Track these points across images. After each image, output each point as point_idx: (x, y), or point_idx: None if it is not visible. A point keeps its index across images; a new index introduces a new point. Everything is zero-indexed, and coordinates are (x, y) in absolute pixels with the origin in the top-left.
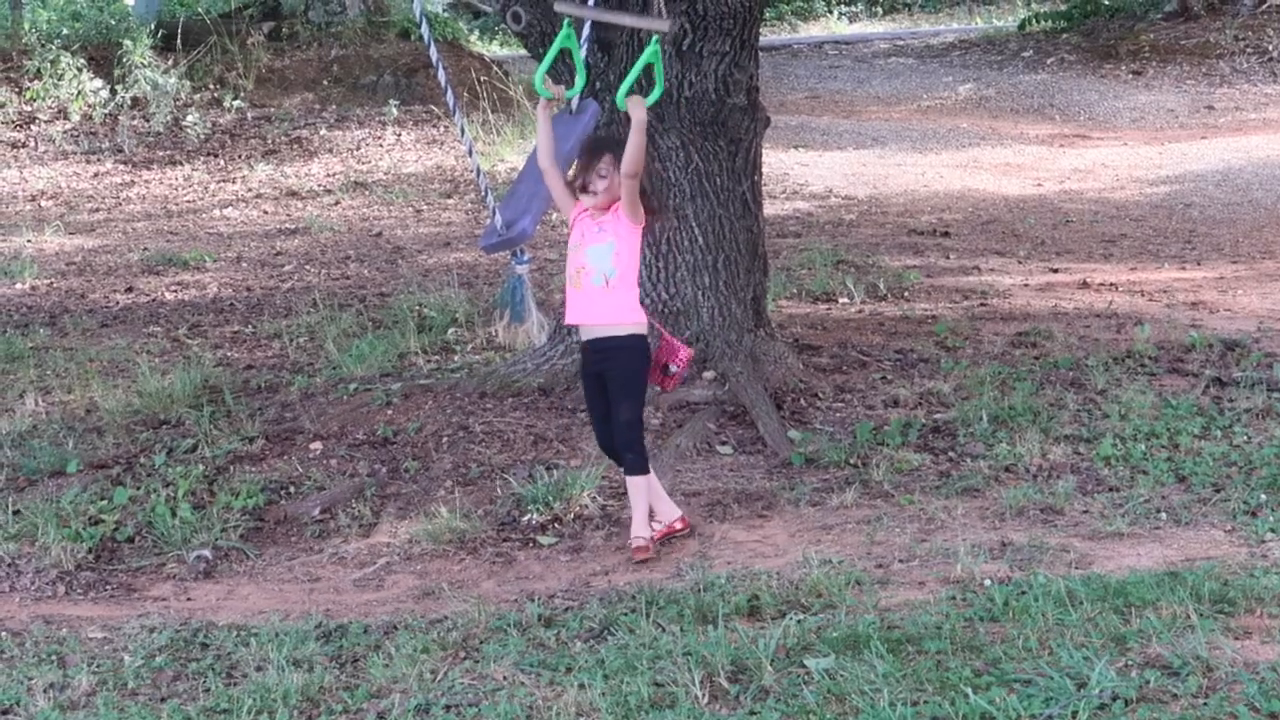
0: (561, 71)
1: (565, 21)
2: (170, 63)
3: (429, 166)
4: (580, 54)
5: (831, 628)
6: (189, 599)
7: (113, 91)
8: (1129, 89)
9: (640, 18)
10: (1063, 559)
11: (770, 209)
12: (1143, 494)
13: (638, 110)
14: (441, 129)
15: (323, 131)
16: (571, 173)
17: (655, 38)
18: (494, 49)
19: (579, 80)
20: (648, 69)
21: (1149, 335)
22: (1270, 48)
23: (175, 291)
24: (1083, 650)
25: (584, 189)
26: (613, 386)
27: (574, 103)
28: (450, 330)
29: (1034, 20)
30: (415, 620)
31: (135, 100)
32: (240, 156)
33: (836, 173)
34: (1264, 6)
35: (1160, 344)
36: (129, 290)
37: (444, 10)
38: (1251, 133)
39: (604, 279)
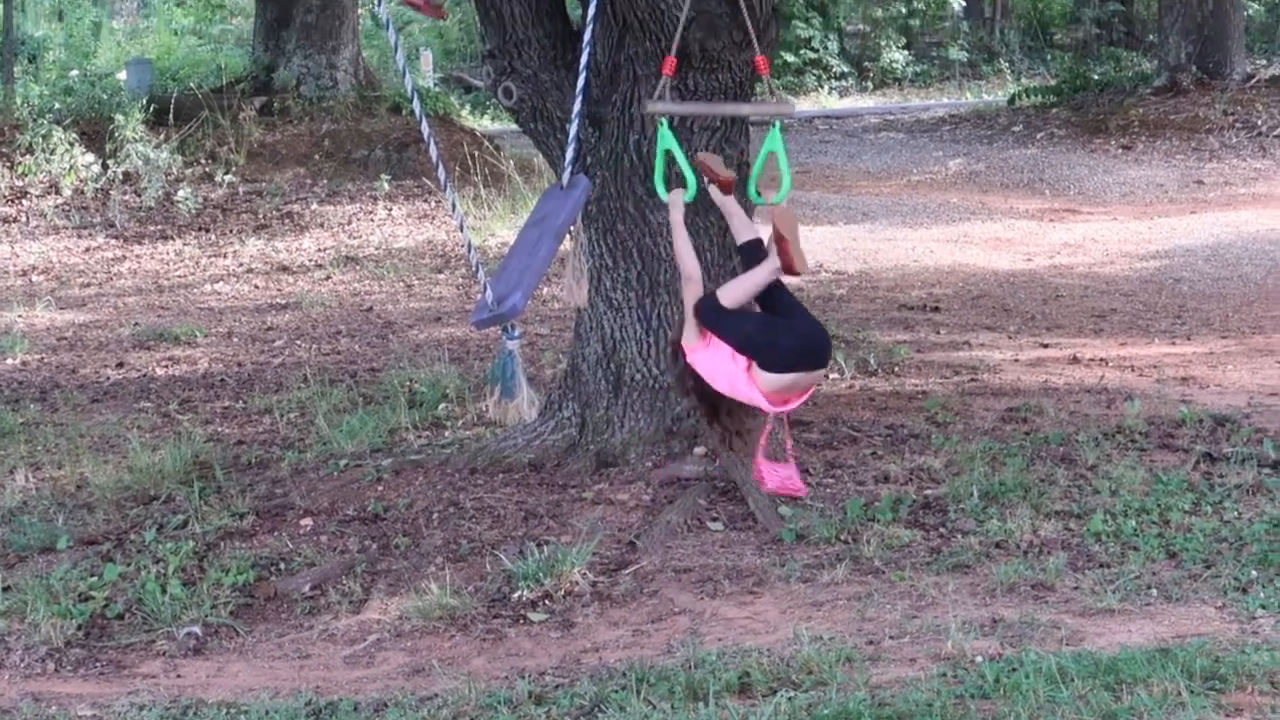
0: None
1: (661, 122)
2: (162, 137)
3: (420, 241)
4: (681, 153)
5: (823, 705)
6: (179, 676)
7: (104, 166)
8: (1119, 164)
9: (759, 105)
10: (1054, 635)
11: None
12: (1134, 570)
13: (784, 219)
14: (433, 203)
15: (314, 206)
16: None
17: (777, 124)
18: (485, 124)
19: (690, 181)
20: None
21: (1139, 410)
22: (1259, 123)
23: (166, 367)
24: None
25: None
26: None
27: (564, 178)
28: (441, 406)
29: (1024, 95)
30: (406, 698)
31: (127, 175)
32: (231, 231)
33: (827, 247)
34: (1253, 81)
35: (1151, 419)
36: (120, 365)
37: (435, 85)
38: (1241, 207)
39: None
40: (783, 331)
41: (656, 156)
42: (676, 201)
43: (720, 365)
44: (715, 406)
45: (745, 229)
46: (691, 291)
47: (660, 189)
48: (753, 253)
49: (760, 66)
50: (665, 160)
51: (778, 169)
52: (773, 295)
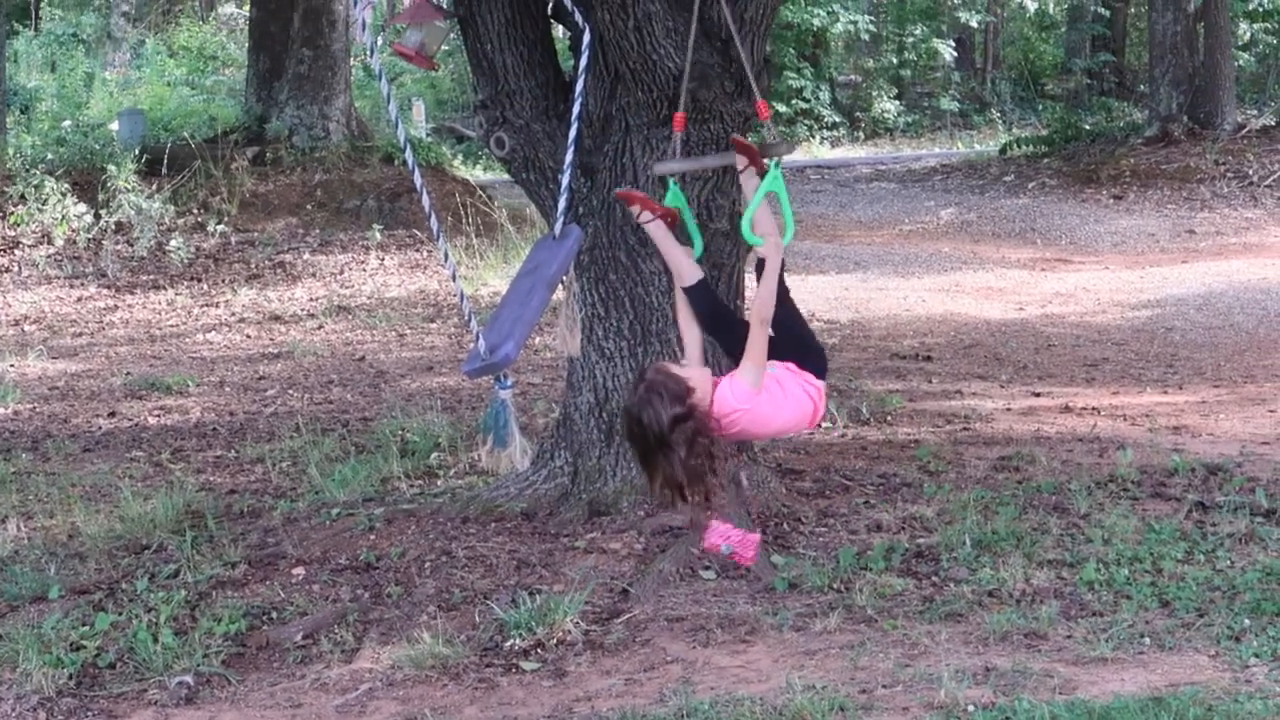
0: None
1: (670, 182)
2: (154, 187)
3: (412, 290)
4: (691, 215)
5: None
6: None
7: (97, 216)
8: (1110, 213)
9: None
10: (1047, 684)
11: None
12: (1126, 619)
13: (776, 254)
14: (425, 253)
15: (306, 256)
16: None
17: (775, 162)
18: (477, 173)
19: (696, 241)
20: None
21: (1131, 459)
22: (1250, 172)
23: (158, 416)
24: None
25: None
26: None
27: (557, 228)
28: (433, 455)
29: (1015, 145)
30: None
31: (119, 225)
32: (224, 281)
33: (819, 297)
34: (1244, 131)
35: (1143, 468)
36: (112, 415)
37: (427, 135)
38: (1232, 256)
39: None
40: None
41: (758, 199)
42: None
43: (782, 391)
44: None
45: (690, 269)
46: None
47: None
48: (701, 291)
49: (761, 111)
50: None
51: (779, 210)
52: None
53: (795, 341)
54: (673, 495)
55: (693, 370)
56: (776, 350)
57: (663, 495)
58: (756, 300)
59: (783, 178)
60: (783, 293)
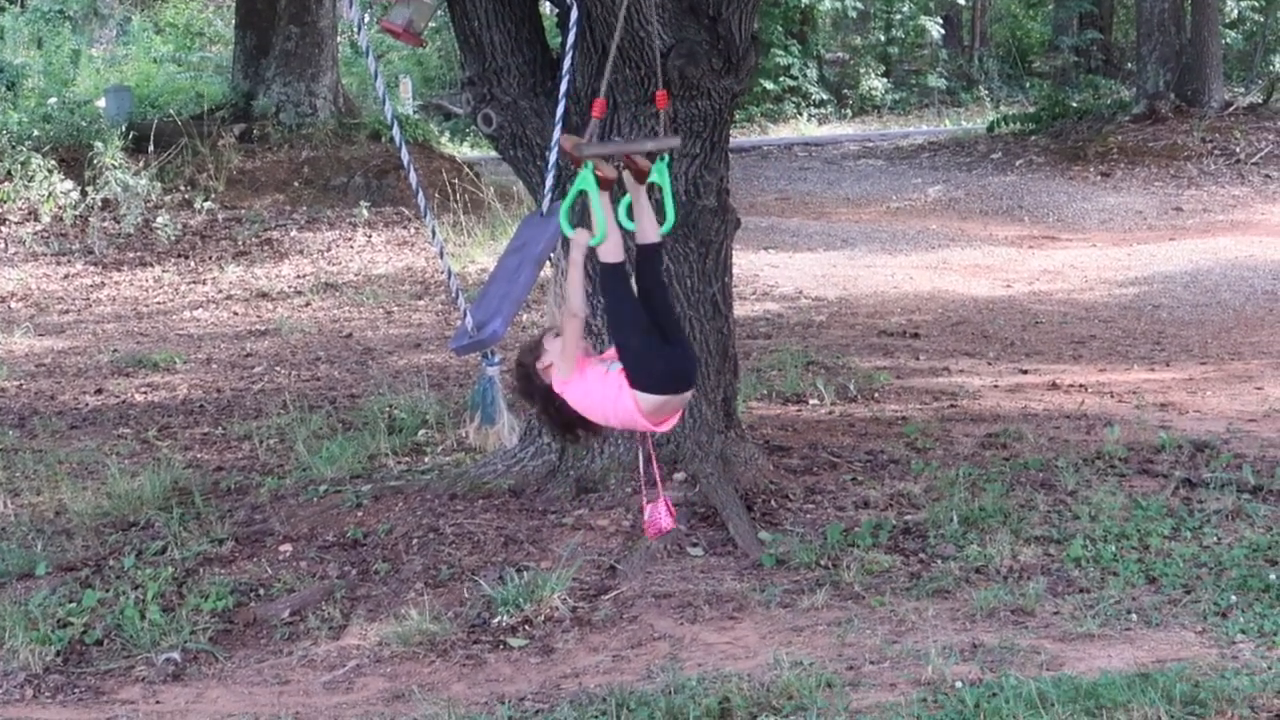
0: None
1: (587, 164)
2: (141, 164)
3: (399, 268)
4: (597, 200)
5: None
6: (158, 702)
7: (83, 193)
8: (1097, 191)
9: (650, 141)
10: (1034, 660)
11: (740, 310)
12: (1113, 595)
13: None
14: (412, 230)
15: (293, 233)
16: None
17: (663, 158)
18: (465, 150)
19: (600, 226)
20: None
21: (1119, 436)
22: (1237, 150)
23: (145, 393)
24: None
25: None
26: None
27: (544, 205)
28: (420, 432)
29: (1003, 122)
30: None
31: (106, 202)
32: (211, 258)
33: (806, 274)
34: (1231, 109)
35: (1130, 445)
36: (98, 392)
37: (415, 112)
38: (1219, 234)
39: None
40: (659, 356)
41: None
42: (581, 242)
43: (597, 392)
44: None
45: (651, 229)
46: (573, 328)
47: (565, 225)
48: (648, 255)
49: (659, 102)
50: (578, 200)
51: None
52: (654, 300)
53: (616, 344)
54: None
55: (555, 344)
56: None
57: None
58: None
59: (667, 171)
60: (626, 296)
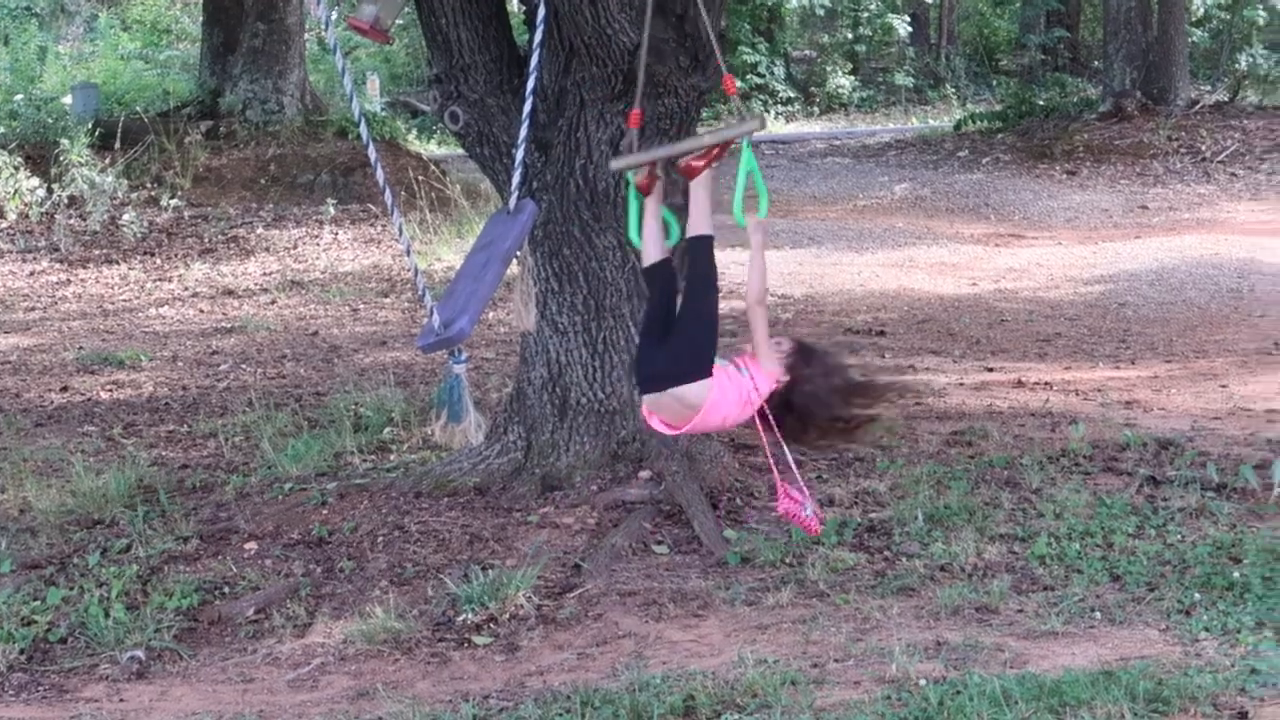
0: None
1: (628, 177)
2: (108, 161)
3: (366, 265)
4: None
5: None
6: (122, 700)
7: (49, 190)
8: (1063, 189)
9: (727, 129)
10: (998, 658)
11: None
12: (1077, 593)
13: (758, 233)
14: (379, 228)
15: (259, 230)
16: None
17: (745, 141)
18: (432, 148)
19: (673, 230)
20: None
21: (1084, 434)
22: (1203, 148)
23: (110, 391)
24: None
25: None
26: None
27: (511, 203)
28: (386, 430)
29: (969, 120)
30: None
31: (72, 199)
32: (177, 255)
33: (773, 272)
34: (1197, 107)
35: (1095, 443)
36: (64, 389)
37: (382, 109)
38: (1185, 232)
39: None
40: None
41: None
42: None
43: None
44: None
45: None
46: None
47: (635, 238)
48: (699, 246)
49: (728, 86)
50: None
51: (754, 188)
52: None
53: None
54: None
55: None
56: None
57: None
58: (751, 284)
59: (753, 154)
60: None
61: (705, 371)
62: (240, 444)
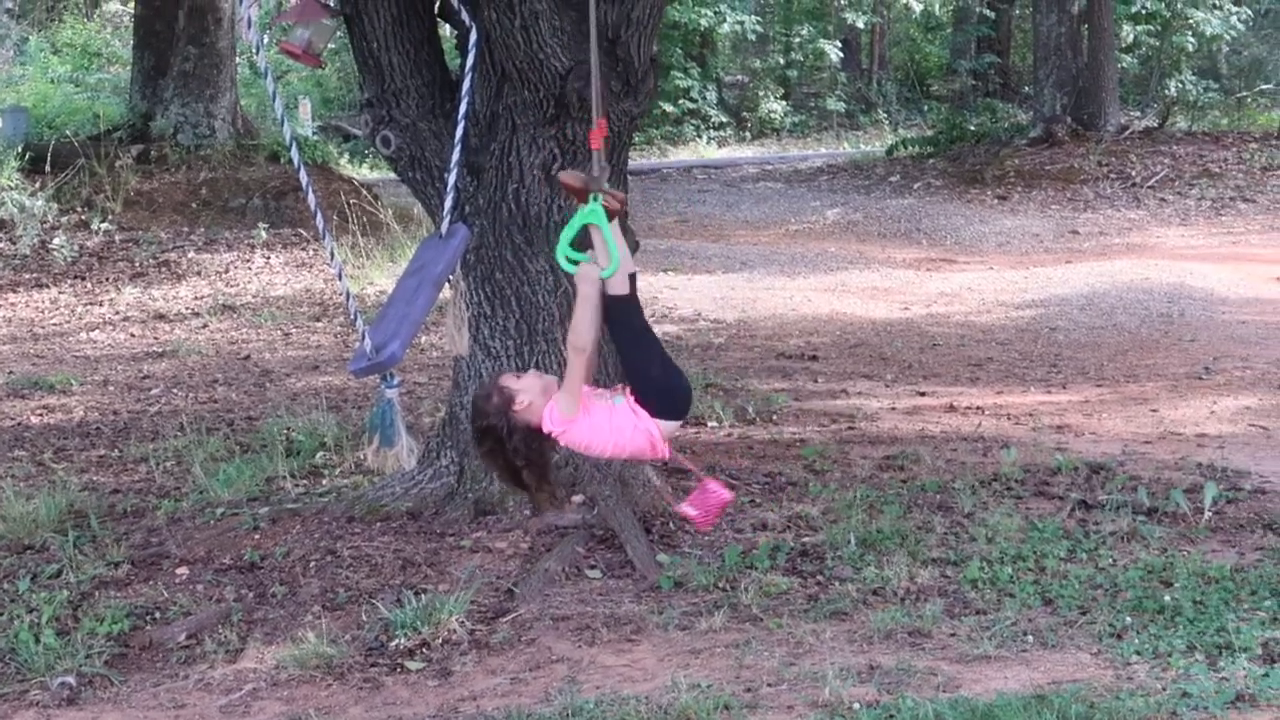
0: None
1: (596, 197)
2: (38, 185)
3: (298, 289)
4: (608, 230)
5: None
6: None
7: None
8: (994, 213)
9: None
10: (930, 682)
11: None
12: (1009, 617)
13: (585, 284)
14: (310, 252)
15: (191, 254)
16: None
17: (595, 195)
18: (364, 172)
19: (614, 257)
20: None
21: (1015, 458)
22: (1133, 173)
23: (41, 415)
24: None
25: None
26: None
27: (443, 227)
28: (319, 454)
29: (901, 146)
30: None
31: (1, 223)
32: (108, 279)
33: (705, 296)
34: (1127, 133)
35: (1026, 467)
36: None
37: (314, 133)
38: (1115, 257)
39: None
40: (678, 384)
41: (573, 226)
42: (592, 276)
43: (608, 425)
44: (520, 471)
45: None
46: (581, 364)
47: (566, 262)
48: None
49: (593, 140)
50: (580, 233)
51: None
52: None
53: (636, 375)
54: (511, 483)
55: (530, 382)
56: (632, 380)
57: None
58: (571, 329)
59: (603, 212)
60: (641, 327)
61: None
62: (172, 469)
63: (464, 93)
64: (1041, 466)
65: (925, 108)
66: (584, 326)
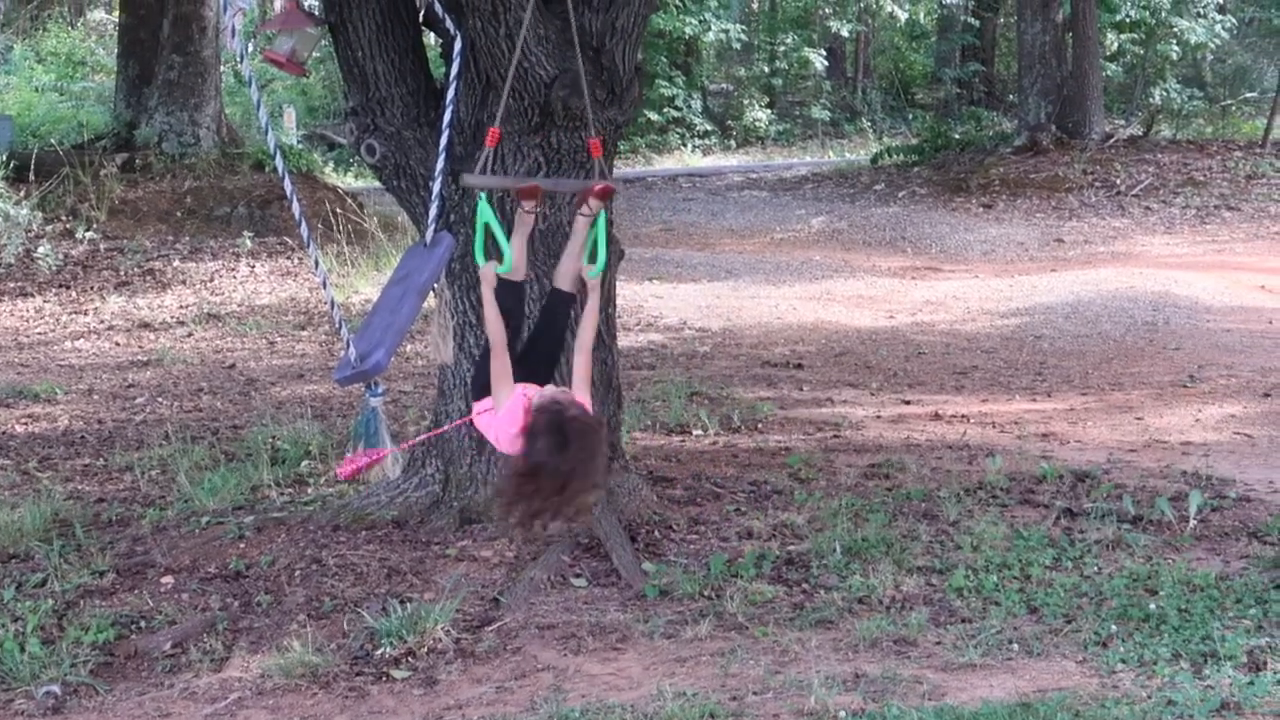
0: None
1: (481, 196)
2: (22, 194)
3: (283, 298)
4: (500, 228)
5: None
6: None
7: None
8: (979, 222)
9: (585, 181)
10: (916, 690)
11: (624, 341)
12: (995, 625)
13: (595, 292)
14: (295, 260)
15: (176, 263)
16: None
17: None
18: (349, 180)
19: (506, 254)
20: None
21: (1000, 466)
22: (1118, 181)
23: (25, 424)
24: None
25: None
26: None
27: (428, 235)
28: (304, 463)
29: (886, 154)
30: None
31: None
32: (92, 288)
33: (691, 305)
34: (1111, 141)
35: (1012, 475)
36: None
37: (299, 142)
38: (1100, 265)
39: None
40: None
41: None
42: (489, 276)
43: (507, 423)
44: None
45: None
46: (500, 360)
47: (480, 260)
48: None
49: (594, 149)
50: (485, 234)
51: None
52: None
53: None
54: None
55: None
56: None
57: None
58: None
59: (606, 217)
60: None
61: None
62: (157, 477)
63: (449, 101)
64: (1027, 475)
65: (910, 116)
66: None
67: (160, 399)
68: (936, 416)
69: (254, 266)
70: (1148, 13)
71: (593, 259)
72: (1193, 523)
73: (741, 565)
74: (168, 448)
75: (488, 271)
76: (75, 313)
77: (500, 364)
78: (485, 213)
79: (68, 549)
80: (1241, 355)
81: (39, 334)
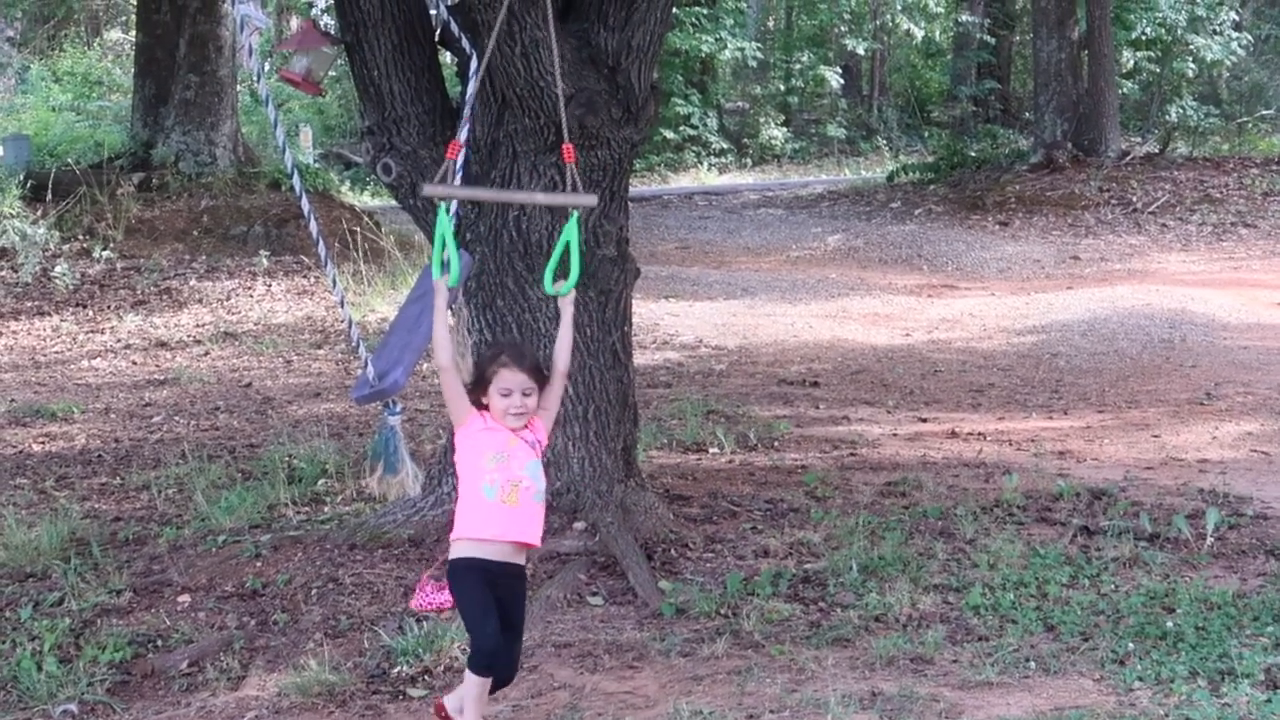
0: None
1: (441, 207)
2: (39, 213)
3: (299, 317)
4: (454, 241)
5: None
6: None
7: None
8: (996, 239)
9: (564, 195)
10: (933, 709)
11: (640, 359)
12: (1012, 643)
13: (569, 307)
14: (312, 279)
15: (192, 282)
16: (471, 380)
17: (575, 214)
18: (365, 199)
19: (454, 267)
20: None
21: (1017, 484)
22: (1134, 199)
23: (43, 443)
24: None
25: (509, 413)
26: (518, 612)
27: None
28: (320, 481)
29: (902, 172)
30: None
31: (3, 251)
32: (109, 307)
33: (706, 323)
34: (1127, 158)
35: (1028, 493)
36: None
37: (315, 161)
38: (1116, 283)
39: (543, 497)
40: None
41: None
42: (441, 289)
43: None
44: None
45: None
46: (449, 379)
47: (436, 272)
48: None
49: (566, 155)
50: (441, 244)
51: (569, 261)
52: None
53: None
54: None
55: None
56: None
57: None
58: (558, 356)
59: (579, 229)
60: None
61: None
62: (173, 496)
63: (464, 120)
64: (1043, 492)
65: (926, 134)
66: (569, 350)
67: (177, 418)
68: (953, 434)
69: (270, 285)
70: (1164, 30)
71: (565, 274)
72: (1210, 540)
73: (758, 583)
74: (184, 466)
75: (440, 285)
76: (92, 332)
77: (450, 382)
78: (443, 224)
79: (85, 568)
80: (1259, 372)
81: (56, 353)
